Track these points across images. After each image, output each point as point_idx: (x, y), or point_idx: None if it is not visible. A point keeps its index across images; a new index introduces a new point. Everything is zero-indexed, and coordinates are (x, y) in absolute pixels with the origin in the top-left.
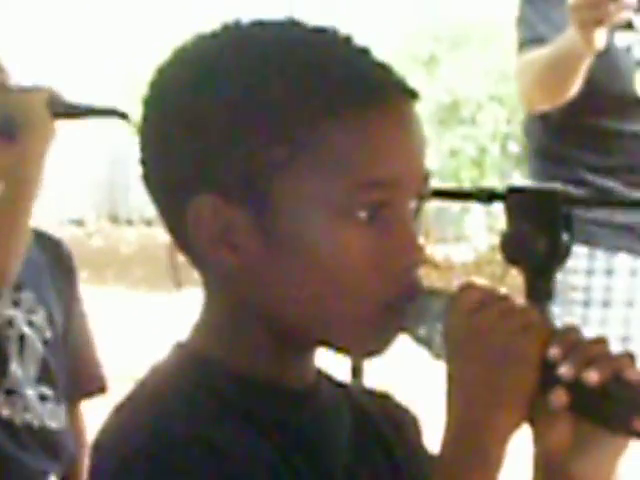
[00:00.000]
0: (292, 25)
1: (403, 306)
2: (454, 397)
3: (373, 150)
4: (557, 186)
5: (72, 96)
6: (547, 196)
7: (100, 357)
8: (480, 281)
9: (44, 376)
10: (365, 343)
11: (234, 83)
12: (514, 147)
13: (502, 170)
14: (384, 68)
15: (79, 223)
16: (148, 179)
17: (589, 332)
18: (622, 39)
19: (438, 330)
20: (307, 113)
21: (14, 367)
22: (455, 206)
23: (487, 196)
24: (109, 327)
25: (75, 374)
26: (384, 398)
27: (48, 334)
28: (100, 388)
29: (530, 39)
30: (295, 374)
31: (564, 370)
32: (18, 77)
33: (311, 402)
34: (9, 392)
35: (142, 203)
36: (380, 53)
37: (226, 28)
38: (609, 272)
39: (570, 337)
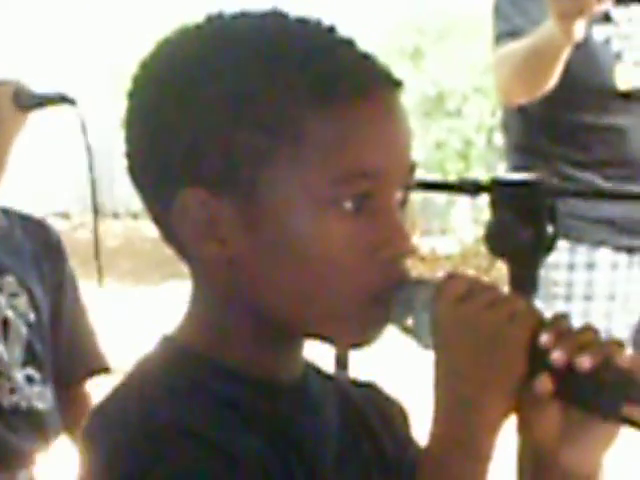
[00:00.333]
0: (276, 16)
1: (390, 296)
2: (442, 386)
3: (358, 140)
4: (542, 178)
5: (58, 89)
6: (532, 188)
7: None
8: (465, 271)
9: (30, 358)
10: (353, 334)
11: (217, 76)
12: (499, 139)
13: (488, 162)
14: (368, 58)
15: (64, 216)
16: (133, 172)
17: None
18: (600, 32)
19: (425, 320)
20: (290, 104)
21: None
22: (441, 198)
23: (473, 188)
24: (95, 320)
25: (76, 353)
26: (372, 389)
27: (31, 317)
28: (104, 368)
29: (507, 32)
30: (283, 366)
31: (556, 356)
32: (4, 71)
33: (299, 394)
34: None
35: (128, 196)
36: (365, 45)
37: (209, 20)
38: (590, 266)
39: (560, 324)
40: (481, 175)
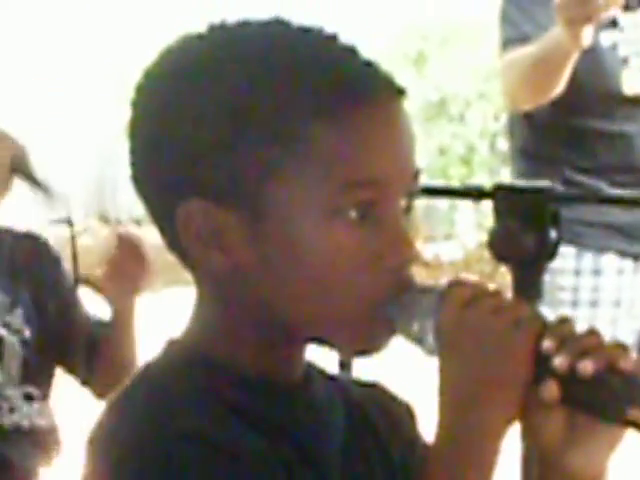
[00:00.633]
0: (278, 25)
1: (395, 303)
2: (446, 393)
3: (362, 149)
4: (545, 183)
5: (63, 99)
6: (535, 193)
7: None
8: (470, 277)
9: (27, 376)
10: (358, 342)
11: (220, 86)
12: (503, 144)
13: (491, 168)
14: (371, 66)
15: (67, 222)
16: (137, 181)
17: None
18: (607, 38)
19: (429, 326)
20: (294, 114)
21: None
22: (444, 204)
23: (476, 194)
24: None
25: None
26: (377, 389)
27: (26, 334)
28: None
29: (514, 38)
30: (286, 369)
31: (559, 361)
32: (9, 79)
33: (304, 397)
34: None
35: (131, 202)
36: (368, 51)
37: (212, 29)
38: (596, 272)
39: (563, 329)
40: (484, 181)
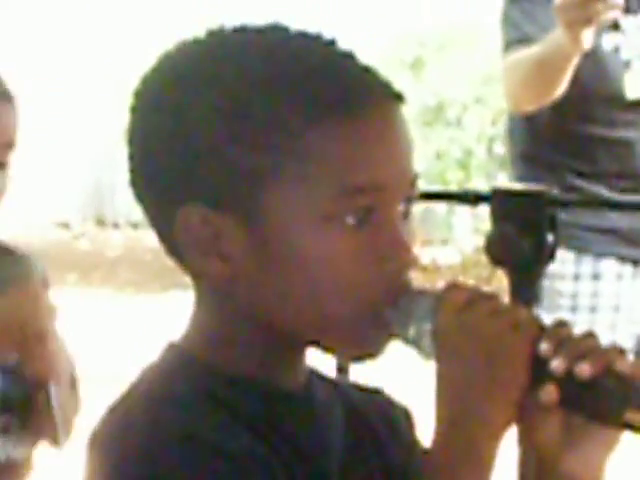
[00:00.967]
0: (276, 31)
1: (393, 308)
2: (444, 396)
3: (359, 156)
4: (542, 188)
5: (61, 103)
6: (532, 197)
7: (85, 358)
8: (466, 281)
9: (3, 406)
10: (355, 347)
11: (218, 92)
12: (500, 149)
13: (488, 172)
14: (368, 72)
15: (65, 226)
16: (136, 186)
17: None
18: (609, 41)
19: (426, 330)
20: (291, 121)
21: None
22: (441, 208)
23: (473, 198)
24: (96, 330)
25: None
26: (376, 394)
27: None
28: None
29: (516, 39)
30: (287, 374)
31: (556, 364)
32: (14, 80)
33: (304, 402)
34: None
35: (128, 206)
36: (366, 57)
37: (210, 34)
38: (595, 277)
39: (560, 332)
40: (481, 185)
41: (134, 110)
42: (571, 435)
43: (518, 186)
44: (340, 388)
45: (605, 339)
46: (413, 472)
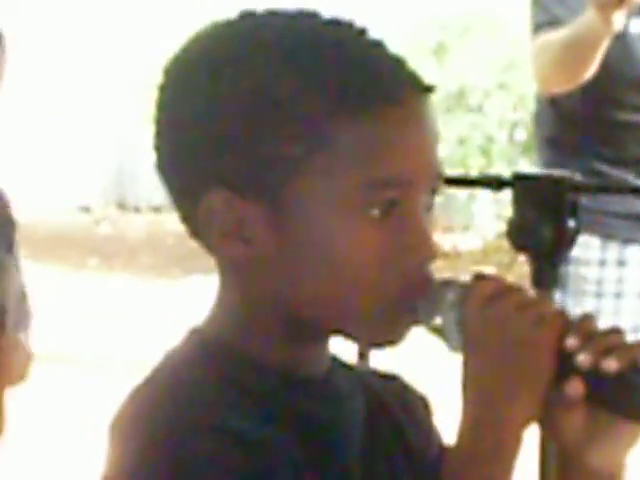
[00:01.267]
0: (308, 17)
1: (416, 301)
2: (470, 388)
3: (386, 148)
4: (564, 173)
5: (84, 88)
6: (553, 183)
7: (106, 343)
8: (489, 270)
9: None
10: (376, 335)
11: (248, 78)
12: (521, 135)
13: (509, 158)
14: (398, 62)
15: (86, 210)
16: (161, 168)
17: (602, 324)
18: (637, 25)
19: (452, 320)
20: (321, 111)
21: None
22: (462, 194)
23: (494, 183)
24: (117, 314)
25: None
26: (395, 380)
27: None
28: None
29: (545, 21)
30: (310, 361)
31: (582, 359)
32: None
33: (326, 387)
34: None
35: (150, 190)
36: (389, 41)
37: (242, 17)
38: (621, 263)
39: (587, 327)
40: (503, 171)
41: (163, 89)
42: (594, 430)
43: (540, 171)
44: (360, 374)
45: (630, 325)
46: (431, 458)
